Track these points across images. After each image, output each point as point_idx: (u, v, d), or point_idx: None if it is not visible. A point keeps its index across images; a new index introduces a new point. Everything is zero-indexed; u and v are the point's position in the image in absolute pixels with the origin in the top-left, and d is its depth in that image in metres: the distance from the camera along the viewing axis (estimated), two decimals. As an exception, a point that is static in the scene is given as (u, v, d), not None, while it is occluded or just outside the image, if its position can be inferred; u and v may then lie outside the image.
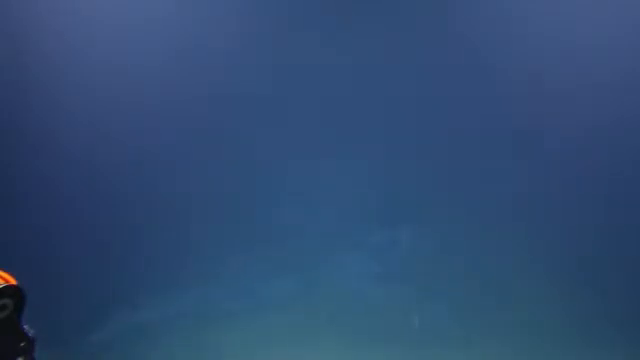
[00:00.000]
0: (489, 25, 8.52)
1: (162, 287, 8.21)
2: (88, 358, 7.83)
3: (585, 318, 7.65)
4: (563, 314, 7.69)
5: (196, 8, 8.80)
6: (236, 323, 8.08)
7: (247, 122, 8.69)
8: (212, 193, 8.54)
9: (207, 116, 8.65)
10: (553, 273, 7.89)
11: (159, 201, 8.48)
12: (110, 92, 8.52)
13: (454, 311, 7.90)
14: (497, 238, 8.11)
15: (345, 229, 8.49)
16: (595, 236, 7.91)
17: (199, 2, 8.94)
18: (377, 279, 8.23)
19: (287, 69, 8.72)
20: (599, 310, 7.63)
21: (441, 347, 7.72)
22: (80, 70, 8.54)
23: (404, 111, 8.64)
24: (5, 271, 2.51)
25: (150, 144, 8.53)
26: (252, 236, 8.45)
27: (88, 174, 8.50)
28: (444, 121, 8.52)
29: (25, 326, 2.53)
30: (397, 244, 8.47)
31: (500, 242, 8.09)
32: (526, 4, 8.52)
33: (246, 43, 8.73)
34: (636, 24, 8.14)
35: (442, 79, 8.50)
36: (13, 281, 2.47)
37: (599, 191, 8.08)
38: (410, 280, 8.14)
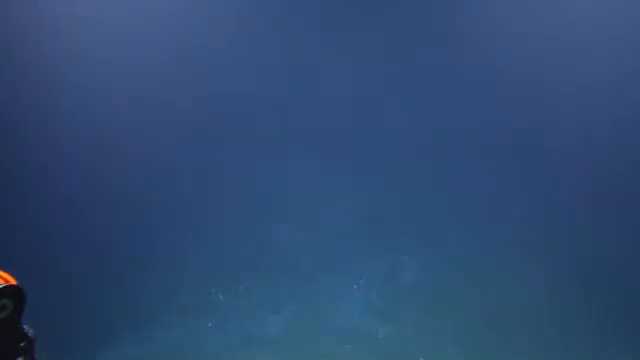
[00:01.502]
0: (490, 27, 8.50)
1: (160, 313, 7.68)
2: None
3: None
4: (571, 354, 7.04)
5: (196, 8, 8.80)
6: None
7: (247, 122, 8.68)
8: (210, 201, 8.34)
9: (207, 116, 8.65)
10: (560, 312, 7.36)
11: (158, 202, 8.44)
12: (110, 92, 8.51)
13: (459, 352, 7.04)
14: (502, 270, 7.70)
15: (344, 256, 7.93)
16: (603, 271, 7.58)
17: (199, 2, 8.94)
18: (378, 314, 7.53)
19: (287, 69, 8.71)
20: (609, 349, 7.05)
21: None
22: (80, 70, 8.53)
23: (404, 114, 8.62)
24: (5, 271, 2.51)
25: (150, 144, 8.53)
26: (244, 262, 7.92)
27: (88, 174, 8.49)
28: (444, 129, 8.33)
29: (25, 326, 2.52)
30: (398, 274, 7.93)
31: (506, 275, 7.68)
32: (526, 5, 8.52)
33: (246, 43, 8.73)
34: (636, 24, 8.13)
35: (443, 81, 8.48)
36: (13, 281, 2.47)
37: (603, 216, 7.84)
38: (412, 316, 7.42)
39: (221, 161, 8.57)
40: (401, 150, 8.49)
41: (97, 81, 8.54)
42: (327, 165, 8.47)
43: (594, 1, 8.24)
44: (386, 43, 8.57)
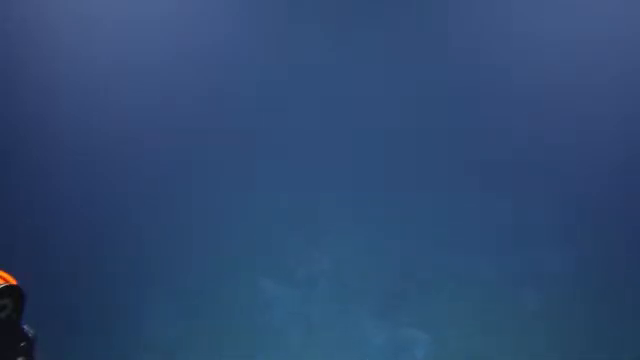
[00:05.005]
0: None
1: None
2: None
3: None
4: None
5: (196, 8, 8.79)
6: None
7: (247, 123, 8.67)
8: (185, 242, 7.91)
9: (207, 116, 8.64)
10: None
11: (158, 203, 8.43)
12: (110, 92, 8.51)
13: None
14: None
15: (341, 328, 6.88)
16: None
17: (199, 2, 8.94)
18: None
19: (287, 70, 8.70)
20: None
21: None
22: (79, 69, 8.53)
23: (405, 116, 8.61)
24: (5, 271, 2.51)
25: (150, 143, 8.51)
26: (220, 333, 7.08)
27: (87, 174, 8.49)
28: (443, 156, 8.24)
29: (25, 326, 2.52)
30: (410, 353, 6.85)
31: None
32: (527, 5, 8.51)
33: (246, 43, 8.72)
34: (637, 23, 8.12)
35: (444, 85, 8.46)
36: (13, 281, 2.47)
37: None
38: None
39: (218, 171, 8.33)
40: (406, 182, 7.99)
41: (97, 81, 8.54)
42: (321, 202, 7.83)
43: (596, 1, 8.24)
44: (386, 43, 8.56)
